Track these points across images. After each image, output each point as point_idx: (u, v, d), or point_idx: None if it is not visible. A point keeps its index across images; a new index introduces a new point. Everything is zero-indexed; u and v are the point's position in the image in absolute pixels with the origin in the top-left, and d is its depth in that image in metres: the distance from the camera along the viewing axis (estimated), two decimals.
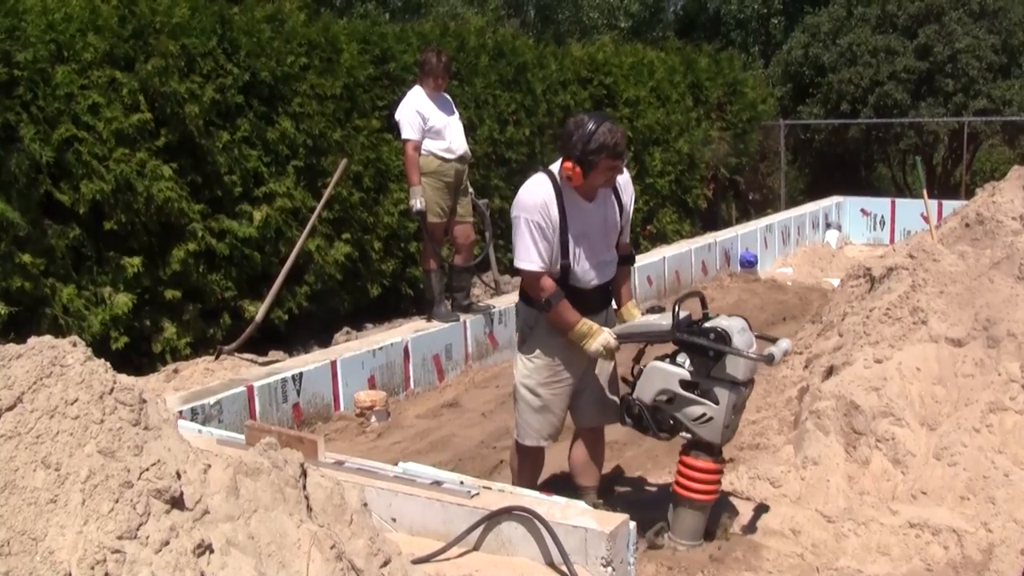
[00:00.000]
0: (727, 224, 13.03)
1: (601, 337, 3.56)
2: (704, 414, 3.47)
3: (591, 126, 3.46)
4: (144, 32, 6.27)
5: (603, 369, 3.84)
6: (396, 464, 3.46)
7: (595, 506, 3.75)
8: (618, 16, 22.30)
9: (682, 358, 3.55)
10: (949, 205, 10.52)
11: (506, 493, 3.18)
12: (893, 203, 13.06)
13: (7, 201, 5.36)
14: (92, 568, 1.69)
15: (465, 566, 2.93)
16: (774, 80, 18.51)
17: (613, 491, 4.45)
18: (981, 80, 16.07)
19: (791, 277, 10.49)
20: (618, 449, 5.07)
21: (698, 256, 9.85)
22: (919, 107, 16.23)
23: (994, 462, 3.88)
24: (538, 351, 3.71)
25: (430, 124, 6.30)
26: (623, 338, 3.65)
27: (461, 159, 6.52)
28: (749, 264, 10.47)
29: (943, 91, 16.19)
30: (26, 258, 5.44)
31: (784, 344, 3.57)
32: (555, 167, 3.62)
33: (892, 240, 11.98)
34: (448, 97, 6.64)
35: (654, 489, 4.45)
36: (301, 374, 5.47)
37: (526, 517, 2.94)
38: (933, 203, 9.68)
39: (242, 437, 3.54)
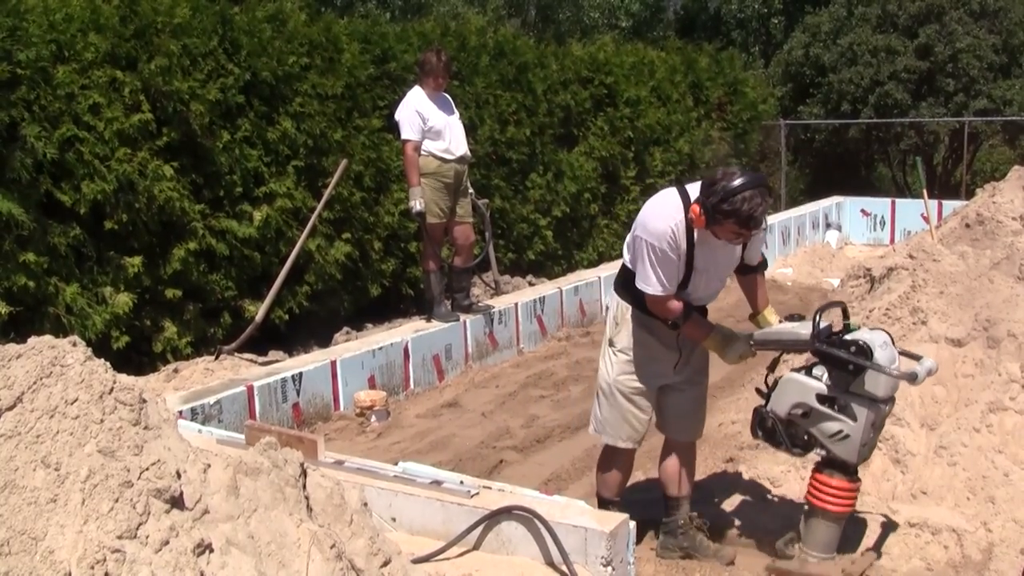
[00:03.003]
0: None
1: (737, 345, 3.46)
2: (841, 431, 3.29)
3: (736, 183, 3.18)
4: (146, 32, 6.27)
5: (694, 381, 3.73)
6: (396, 464, 3.47)
7: (690, 519, 3.71)
8: (619, 16, 22.33)
9: (819, 371, 3.39)
10: (949, 205, 10.52)
11: (506, 493, 3.18)
12: (893, 203, 13.06)
13: (10, 200, 5.37)
14: (92, 567, 1.69)
15: (465, 565, 2.94)
16: (774, 80, 18.51)
17: None
18: (981, 80, 16.08)
19: (791, 277, 10.48)
20: None
21: None
22: (919, 107, 16.24)
23: (994, 462, 3.88)
24: (626, 346, 3.61)
25: (430, 124, 6.29)
26: (760, 345, 3.51)
27: (461, 160, 6.51)
28: None
29: (943, 91, 16.19)
30: (30, 257, 5.44)
31: (928, 363, 3.39)
32: (693, 189, 3.41)
33: (892, 240, 11.98)
34: (448, 97, 6.63)
35: (654, 489, 4.44)
36: (301, 374, 5.47)
37: (526, 516, 2.94)
38: (933, 203, 9.68)
39: (242, 437, 3.54)
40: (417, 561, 2.81)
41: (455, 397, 6.13)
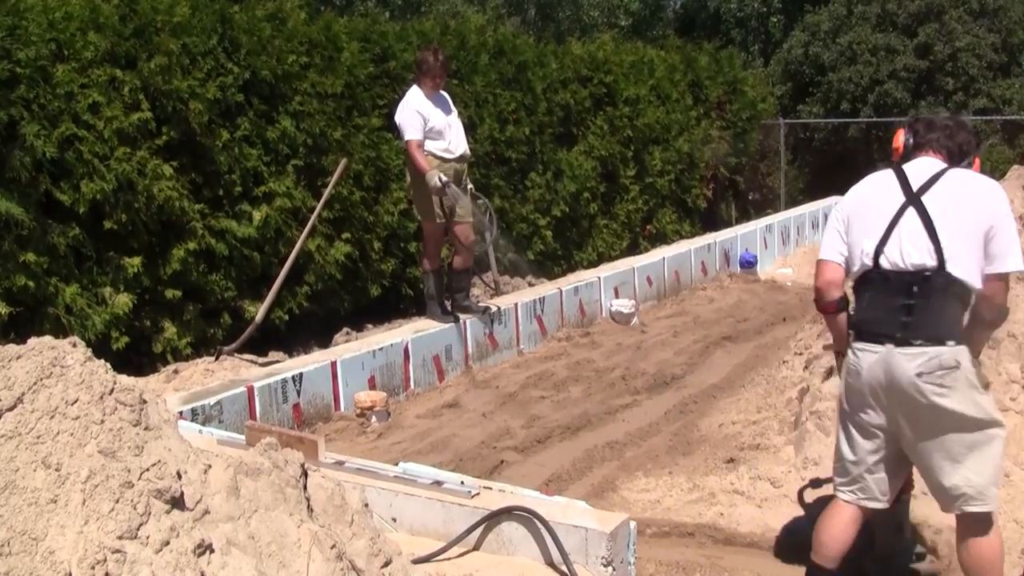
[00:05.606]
0: (727, 224, 13.02)
1: None
2: None
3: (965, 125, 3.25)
4: (145, 30, 6.27)
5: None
6: (396, 464, 3.46)
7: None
8: (618, 14, 22.31)
9: None
10: None
11: (506, 493, 3.18)
12: None
13: (10, 199, 5.36)
14: (92, 568, 1.69)
15: (465, 566, 2.93)
16: (774, 79, 18.50)
17: (615, 491, 4.45)
18: (981, 79, 16.09)
19: (791, 278, 10.48)
20: (618, 449, 5.07)
21: (698, 256, 9.85)
22: (919, 106, 16.23)
23: None
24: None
25: (430, 124, 6.28)
26: None
27: (461, 159, 6.51)
28: (749, 264, 10.46)
29: (943, 90, 16.20)
30: (29, 257, 5.44)
31: None
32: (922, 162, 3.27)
33: None
34: (446, 96, 6.62)
35: (655, 489, 4.44)
36: (301, 375, 5.47)
37: (526, 517, 2.94)
38: None
39: (242, 437, 3.54)
40: (417, 561, 2.80)
41: (455, 397, 6.13)
